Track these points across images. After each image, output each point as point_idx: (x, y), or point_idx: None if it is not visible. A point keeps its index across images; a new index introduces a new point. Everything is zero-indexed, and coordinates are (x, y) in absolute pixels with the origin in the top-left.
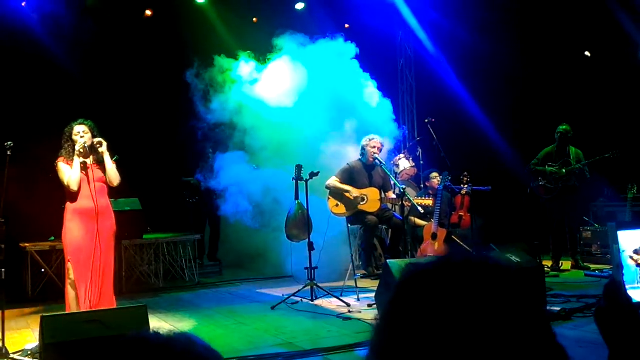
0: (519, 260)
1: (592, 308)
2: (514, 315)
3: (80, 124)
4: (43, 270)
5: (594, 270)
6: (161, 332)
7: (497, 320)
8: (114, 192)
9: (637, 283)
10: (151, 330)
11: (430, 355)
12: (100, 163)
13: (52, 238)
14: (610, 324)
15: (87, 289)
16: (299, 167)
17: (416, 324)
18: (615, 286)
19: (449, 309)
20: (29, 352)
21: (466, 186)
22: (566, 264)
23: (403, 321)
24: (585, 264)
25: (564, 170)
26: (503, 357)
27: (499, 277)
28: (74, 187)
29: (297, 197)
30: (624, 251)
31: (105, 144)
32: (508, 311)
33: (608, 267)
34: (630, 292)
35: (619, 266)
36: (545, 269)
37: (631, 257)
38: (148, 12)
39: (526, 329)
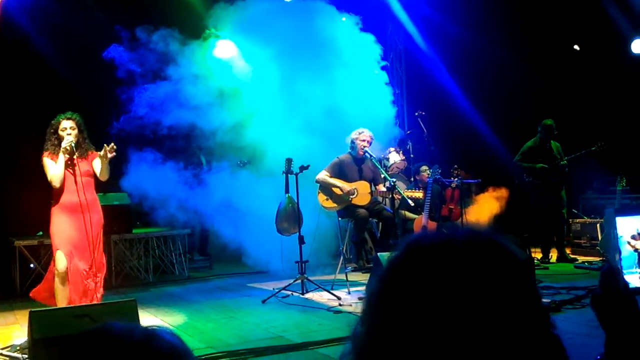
0: None
1: (581, 300)
2: (515, 303)
3: (67, 118)
4: (31, 265)
5: (583, 262)
6: (124, 325)
7: (497, 305)
8: (101, 187)
9: (635, 268)
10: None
11: (425, 342)
12: (85, 157)
13: (40, 233)
14: (607, 310)
15: (80, 278)
16: (289, 161)
17: (410, 308)
18: (612, 272)
19: (446, 292)
20: (18, 348)
21: (456, 179)
22: (555, 256)
23: (399, 297)
24: (573, 256)
25: (548, 165)
26: (499, 345)
27: (503, 262)
28: (56, 184)
29: (287, 191)
30: (621, 237)
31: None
32: (510, 298)
33: (597, 259)
34: (628, 277)
35: (616, 251)
36: (535, 261)
37: (629, 243)
38: None
39: (526, 318)
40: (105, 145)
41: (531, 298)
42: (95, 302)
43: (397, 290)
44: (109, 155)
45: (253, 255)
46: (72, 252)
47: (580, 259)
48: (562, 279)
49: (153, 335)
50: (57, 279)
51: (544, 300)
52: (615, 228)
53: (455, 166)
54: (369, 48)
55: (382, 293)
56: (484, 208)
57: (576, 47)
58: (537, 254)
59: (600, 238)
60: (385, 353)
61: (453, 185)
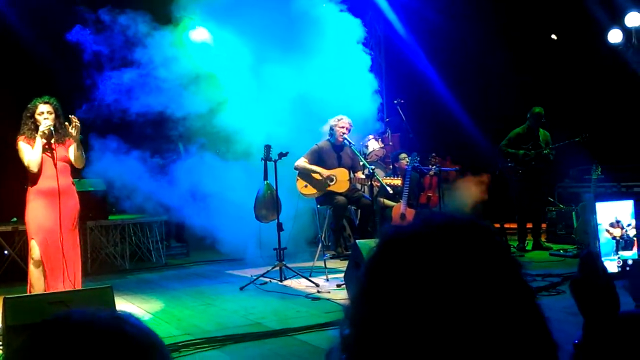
0: None
1: (557, 287)
2: (502, 284)
3: (45, 102)
4: (6, 252)
5: (558, 250)
6: (88, 311)
7: (484, 288)
8: (77, 173)
9: (613, 255)
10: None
11: (418, 333)
12: (62, 143)
13: (15, 219)
14: (585, 295)
15: (55, 268)
16: (267, 147)
17: (394, 304)
18: (592, 257)
19: (437, 276)
20: None
21: (434, 167)
22: (531, 244)
23: (383, 294)
24: (548, 244)
25: (533, 152)
26: (493, 331)
27: (490, 241)
28: (33, 168)
29: (265, 178)
30: (600, 224)
31: (78, 125)
32: (496, 279)
33: (572, 246)
34: (606, 264)
35: (595, 237)
36: (511, 248)
37: (607, 231)
38: None
39: (515, 299)
40: (70, 116)
41: (517, 278)
42: (74, 287)
43: (379, 288)
44: (76, 124)
45: (230, 243)
46: (47, 239)
47: (556, 246)
48: (537, 267)
49: (121, 319)
50: (32, 267)
51: None
52: (595, 213)
53: (433, 154)
54: (351, 32)
55: (365, 293)
56: (464, 194)
57: (553, 36)
58: (513, 242)
59: (575, 226)
60: (376, 353)
61: (431, 173)
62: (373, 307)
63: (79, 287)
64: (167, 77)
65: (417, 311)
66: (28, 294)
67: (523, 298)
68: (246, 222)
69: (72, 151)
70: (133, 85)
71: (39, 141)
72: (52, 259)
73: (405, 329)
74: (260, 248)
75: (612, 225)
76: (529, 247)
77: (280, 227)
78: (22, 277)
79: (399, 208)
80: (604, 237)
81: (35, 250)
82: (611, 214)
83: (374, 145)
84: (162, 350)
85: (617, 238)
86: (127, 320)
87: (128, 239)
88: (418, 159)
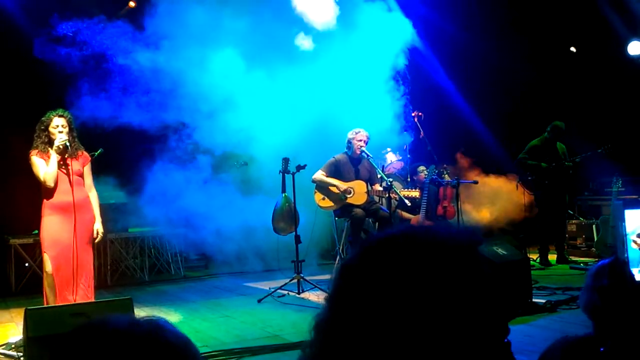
0: (505, 252)
1: (577, 300)
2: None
3: (59, 115)
4: (27, 264)
5: (579, 263)
6: (126, 318)
7: (432, 294)
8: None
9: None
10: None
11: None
12: (76, 157)
13: (36, 231)
14: (613, 301)
15: (66, 282)
16: (285, 160)
17: (362, 304)
18: (620, 264)
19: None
20: (13, 346)
21: (450, 179)
22: (552, 257)
23: (350, 300)
24: (570, 257)
25: (553, 165)
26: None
27: (438, 253)
28: (50, 183)
29: (283, 190)
30: (628, 234)
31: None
32: (452, 295)
33: (593, 260)
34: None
35: (623, 245)
36: (532, 261)
37: (634, 241)
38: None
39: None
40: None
41: (469, 284)
42: (87, 300)
43: (348, 287)
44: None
45: (247, 255)
46: (61, 253)
47: (576, 260)
48: (557, 280)
49: (159, 325)
50: (45, 281)
51: (539, 300)
52: (623, 220)
53: (444, 165)
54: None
55: (335, 290)
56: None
57: (573, 49)
58: (534, 255)
59: (596, 239)
60: (342, 341)
61: (450, 185)
62: (340, 302)
63: (91, 299)
64: (173, 90)
65: (374, 311)
66: (49, 305)
67: (479, 319)
68: (265, 235)
69: (88, 175)
70: (147, 97)
71: (54, 156)
72: (64, 273)
73: (363, 324)
74: (278, 261)
75: (639, 235)
76: (553, 262)
77: (298, 240)
78: (42, 289)
79: (417, 220)
80: (630, 247)
81: (48, 264)
82: (637, 224)
83: (391, 157)
84: (197, 357)
85: None
86: (165, 327)
87: (147, 252)
88: (436, 171)
